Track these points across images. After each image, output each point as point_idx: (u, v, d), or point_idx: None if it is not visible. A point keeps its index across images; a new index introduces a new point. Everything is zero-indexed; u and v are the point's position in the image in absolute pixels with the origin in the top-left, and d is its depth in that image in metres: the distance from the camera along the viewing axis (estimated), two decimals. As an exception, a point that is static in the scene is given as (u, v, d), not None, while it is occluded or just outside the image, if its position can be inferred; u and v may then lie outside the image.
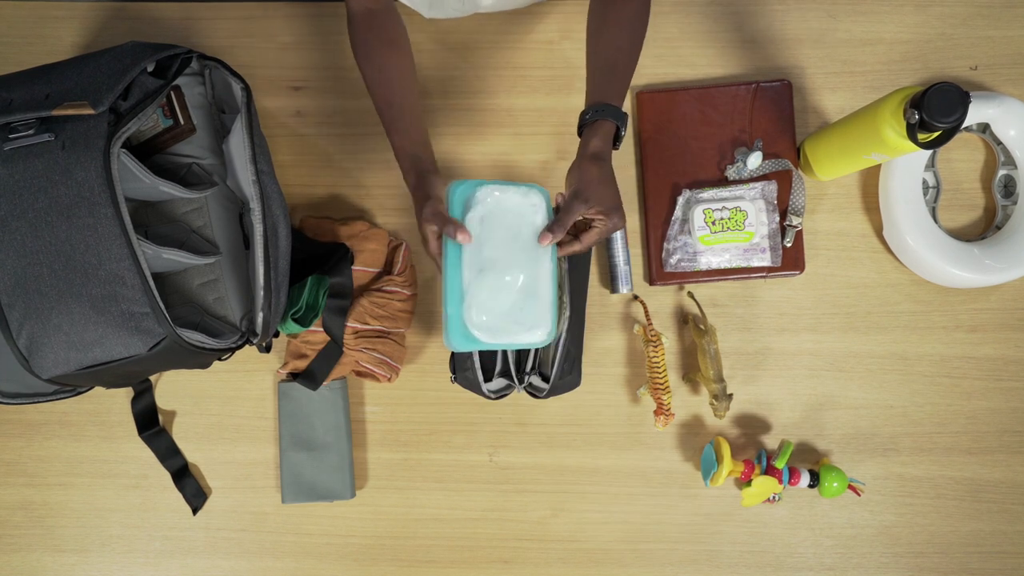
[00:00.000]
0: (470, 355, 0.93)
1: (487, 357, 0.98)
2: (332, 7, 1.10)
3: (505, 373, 0.99)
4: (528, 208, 0.80)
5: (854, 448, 1.07)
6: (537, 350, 0.98)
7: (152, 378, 1.08)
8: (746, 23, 1.09)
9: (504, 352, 0.98)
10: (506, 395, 0.99)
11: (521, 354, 1.00)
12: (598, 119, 0.83)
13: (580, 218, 0.80)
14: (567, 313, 0.92)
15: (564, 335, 0.93)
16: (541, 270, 0.80)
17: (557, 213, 0.80)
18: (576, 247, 0.82)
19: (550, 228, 0.79)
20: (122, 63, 0.85)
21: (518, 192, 0.79)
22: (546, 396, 0.96)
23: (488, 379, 0.97)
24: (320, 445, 1.05)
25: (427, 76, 1.10)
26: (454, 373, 0.98)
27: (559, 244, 0.81)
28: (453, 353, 0.97)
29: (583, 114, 0.84)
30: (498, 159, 1.09)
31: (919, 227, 1.01)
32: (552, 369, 0.94)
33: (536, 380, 0.98)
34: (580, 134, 0.85)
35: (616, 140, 0.85)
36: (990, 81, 1.08)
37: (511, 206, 0.79)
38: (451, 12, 1.05)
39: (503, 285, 0.77)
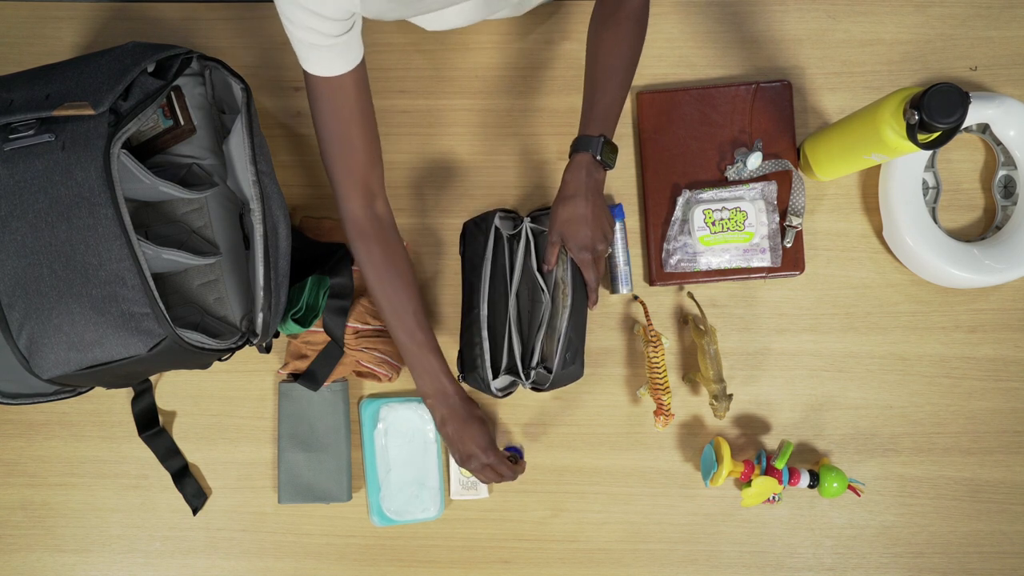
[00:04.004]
0: (481, 352, 0.94)
1: (495, 354, 0.99)
2: (332, 7, 1.10)
3: (511, 369, 0.99)
4: (418, 419, 1.05)
5: (854, 448, 1.07)
6: (542, 345, 0.99)
7: (152, 378, 1.08)
8: (746, 23, 1.10)
9: (510, 348, 0.99)
10: (511, 392, 1.00)
11: (526, 349, 1.00)
12: (575, 154, 0.87)
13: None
14: (569, 302, 0.93)
15: (566, 325, 0.94)
16: (429, 466, 1.05)
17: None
18: (592, 296, 0.92)
19: (546, 260, 0.92)
20: (122, 63, 0.85)
21: (409, 407, 1.06)
22: (548, 388, 0.97)
23: (495, 376, 0.97)
24: (319, 446, 1.05)
25: (427, 76, 1.10)
26: (463, 372, 0.98)
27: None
28: (461, 351, 0.99)
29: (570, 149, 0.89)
30: (498, 159, 1.09)
31: (919, 227, 1.01)
32: (554, 361, 0.94)
33: (540, 373, 0.99)
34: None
35: (605, 163, 0.87)
36: (990, 82, 1.08)
37: (405, 418, 1.06)
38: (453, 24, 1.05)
39: (403, 482, 1.05)
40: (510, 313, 0.98)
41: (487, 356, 0.95)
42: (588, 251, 0.87)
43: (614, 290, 1.06)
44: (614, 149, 0.88)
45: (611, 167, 0.88)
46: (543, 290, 0.98)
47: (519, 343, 1.00)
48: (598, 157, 0.86)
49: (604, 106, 0.87)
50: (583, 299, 0.95)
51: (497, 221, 1.00)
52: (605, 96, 0.87)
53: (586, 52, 0.91)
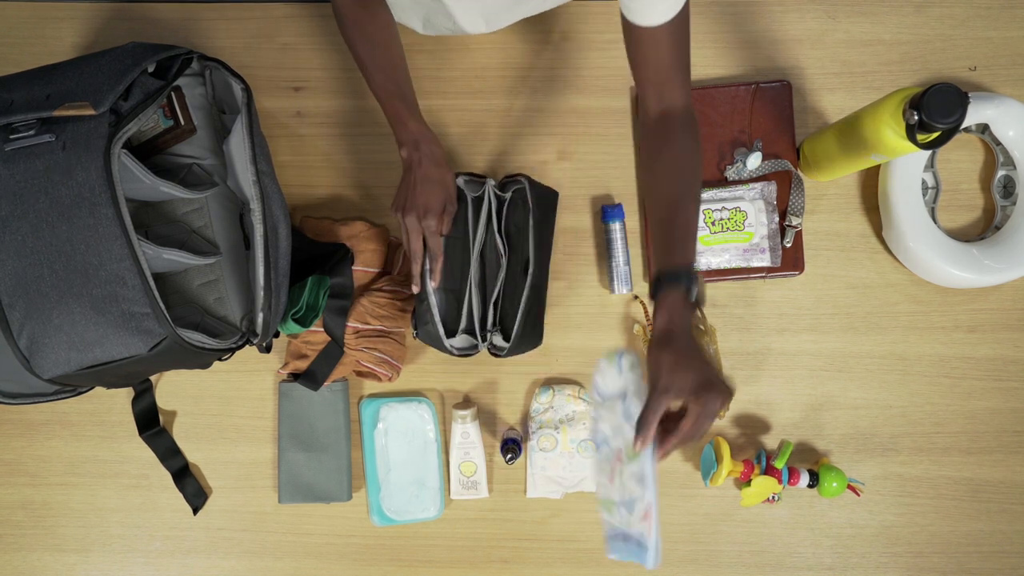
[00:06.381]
0: (430, 309, 0.94)
1: (451, 316, 1.00)
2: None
3: (469, 331, 1.00)
4: (417, 418, 1.05)
5: (853, 448, 1.07)
6: (499, 308, 1.00)
7: (152, 378, 1.08)
8: (746, 23, 1.10)
9: (469, 310, 1.00)
10: (471, 355, 1.00)
11: (484, 311, 1.01)
12: (663, 291, 0.76)
13: (670, 409, 0.73)
14: (531, 269, 0.95)
15: (527, 292, 0.95)
16: (429, 466, 1.06)
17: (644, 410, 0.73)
18: (674, 441, 0.73)
19: (640, 432, 0.72)
20: (123, 64, 0.85)
21: (409, 407, 1.06)
22: (507, 355, 0.98)
23: (450, 335, 0.98)
24: (319, 446, 1.05)
25: (427, 76, 1.10)
26: (416, 328, 0.98)
27: (661, 443, 0.73)
28: (415, 309, 0.98)
29: (652, 285, 0.79)
30: (498, 159, 1.09)
31: (919, 227, 1.01)
32: (514, 327, 0.95)
33: (498, 339, 0.99)
34: (652, 298, 0.79)
35: (692, 298, 0.77)
36: (989, 82, 1.08)
37: (405, 417, 1.05)
38: (443, 31, 1.05)
39: (404, 482, 1.05)
40: (471, 275, 0.98)
41: (435, 311, 0.94)
42: (697, 401, 0.72)
43: (614, 290, 1.06)
44: (697, 280, 0.77)
45: (698, 303, 0.77)
46: (503, 253, 0.98)
47: (480, 305, 1.00)
48: (694, 289, 0.76)
49: (684, 233, 0.78)
50: (544, 265, 0.96)
51: (461, 183, 0.99)
52: (687, 220, 0.79)
53: (643, 183, 0.86)
